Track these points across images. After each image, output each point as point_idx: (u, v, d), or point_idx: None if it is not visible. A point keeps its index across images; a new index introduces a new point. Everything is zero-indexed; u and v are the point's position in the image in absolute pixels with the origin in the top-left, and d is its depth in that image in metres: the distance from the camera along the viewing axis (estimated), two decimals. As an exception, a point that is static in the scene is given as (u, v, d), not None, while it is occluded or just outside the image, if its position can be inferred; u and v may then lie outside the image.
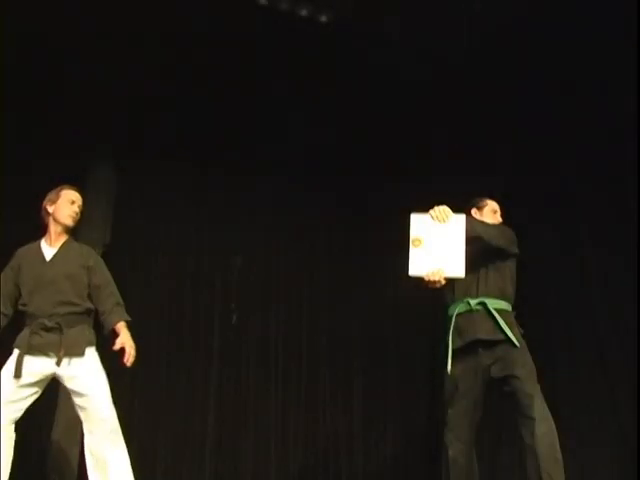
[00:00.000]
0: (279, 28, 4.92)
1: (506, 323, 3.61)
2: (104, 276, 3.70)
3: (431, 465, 5.96)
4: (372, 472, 5.82)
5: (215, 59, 5.21)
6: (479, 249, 3.63)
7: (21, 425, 4.88)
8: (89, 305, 3.61)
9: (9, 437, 3.49)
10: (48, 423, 4.94)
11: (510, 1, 4.69)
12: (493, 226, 3.81)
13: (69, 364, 3.46)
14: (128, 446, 5.09)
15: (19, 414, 3.48)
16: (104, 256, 5.38)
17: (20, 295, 3.61)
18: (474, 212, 3.93)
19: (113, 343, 3.58)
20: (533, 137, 5.54)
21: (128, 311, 4.60)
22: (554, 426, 3.48)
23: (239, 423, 5.48)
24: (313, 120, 5.71)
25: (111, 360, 5.20)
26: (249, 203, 5.83)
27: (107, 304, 3.63)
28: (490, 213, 3.94)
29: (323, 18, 4.81)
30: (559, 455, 3.44)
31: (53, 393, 5.01)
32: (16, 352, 3.50)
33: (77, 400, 3.51)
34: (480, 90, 5.43)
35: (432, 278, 3.54)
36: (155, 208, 5.67)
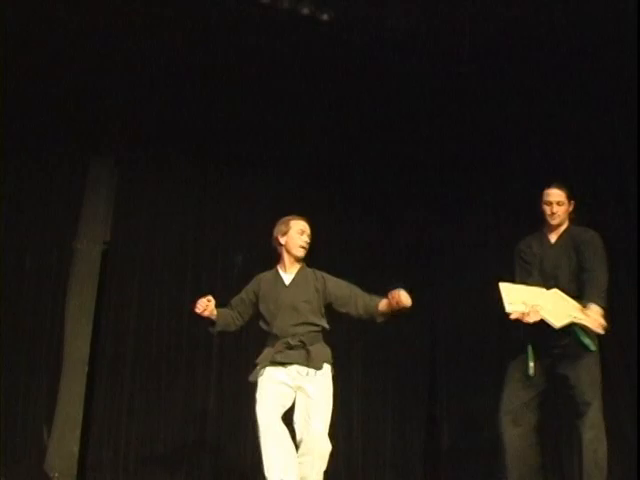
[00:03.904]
0: (280, 27, 4.92)
1: (581, 329, 3.70)
2: (349, 289, 3.87)
3: (431, 465, 5.97)
4: (372, 472, 5.81)
5: (216, 58, 5.21)
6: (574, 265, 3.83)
7: (21, 424, 4.96)
8: (325, 325, 3.79)
9: (284, 429, 3.59)
10: (48, 422, 4.96)
11: (513, 2, 4.69)
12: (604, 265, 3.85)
13: (307, 375, 3.65)
14: (128, 446, 5.17)
15: (282, 410, 3.66)
16: (104, 254, 5.45)
17: (253, 314, 3.88)
18: (572, 203, 3.99)
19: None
20: (532, 137, 5.55)
21: (130, 310, 4.63)
22: (602, 434, 3.61)
23: (239, 423, 5.48)
24: (312, 120, 5.72)
25: (110, 358, 5.28)
26: (249, 203, 5.83)
27: (359, 302, 3.81)
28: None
29: (325, 17, 4.81)
30: (602, 462, 3.59)
31: (53, 392, 5.04)
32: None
33: (299, 409, 3.64)
34: (482, 90, 5.43)
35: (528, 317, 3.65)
36: (155, 208, 5.67)
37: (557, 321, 3.65)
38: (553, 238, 4.00)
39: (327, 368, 3.71)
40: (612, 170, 5.00)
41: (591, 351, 3.68)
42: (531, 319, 3.65)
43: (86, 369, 5.17)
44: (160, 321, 5.44)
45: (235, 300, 3.88)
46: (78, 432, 5.02)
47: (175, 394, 5.35)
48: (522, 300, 3.69)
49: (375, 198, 6.19)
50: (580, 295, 3.79)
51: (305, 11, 4.76)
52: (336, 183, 6.06)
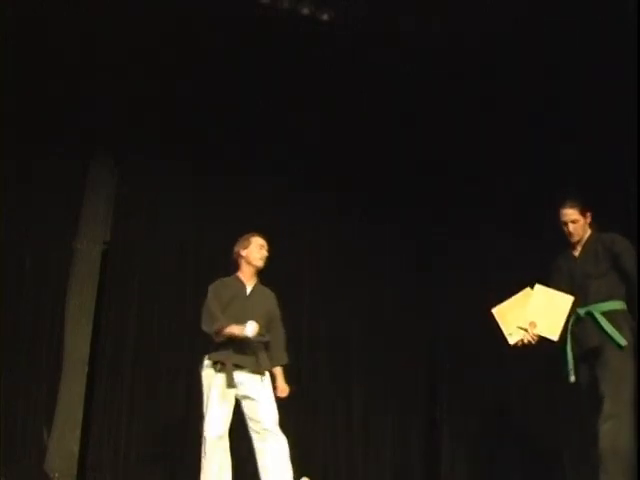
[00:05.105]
0: (280, 27, 4.93)
1: (614, 324, 3.72)
2: (279, 325, 4.37)
3: (431, 465, 5.97)
4: (372, 472, 5.82)
5: (216, 58, 5.21)
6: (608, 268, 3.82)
7: (21, 424, 4.95)
8: (269, 338, 4.22)
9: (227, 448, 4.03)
10: (48, 422, 4.95)
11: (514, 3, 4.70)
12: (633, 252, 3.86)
13: (255, 381, 4.07)
14: (128, 446, 5.17)
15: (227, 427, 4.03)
16: (104, 254, 5.45)
17: None
18: (588, 215, 4.00)
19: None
20: (534, 137, 5.55)
21: (130, 310, 4.65)
22: (622, 426, 3.57)
23: (238, 423, 5.48)
24: (312, 120, 5.72)
25: (110, 358, 5.28)
26: (249, 203, 5.83)
27: (278, 346, 4.31)
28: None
29: (324, 17, 4.83)
30: (621, 452, 3.54)
31: (53, 392, 5.04)
32: (209, 370, 4.08)
33: (249, 416, 4.11)
34: (481, 90, 5.44)
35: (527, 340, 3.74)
36: (155, 208, 5.67)
37: (553, 334, 3.71)
38: (577, 251, 4.05)
39: (268, 374, 4.18)
40: (612, 171, 5.00)
41: (621, 347, 3.68)
42: (533, 340, 3.75)
43: (86, 369, 5.16)
44: (160, 321, 5.44)
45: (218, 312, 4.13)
46: (78, 432, 5.02)
47: (175, 394, 5.35)
48: (517, 324, 3.75)
49: (375, 198, 6.19)
50: (614, 297, 3.84)
51: (305, 11, 4.78)
52: (336, 183, 6.06)
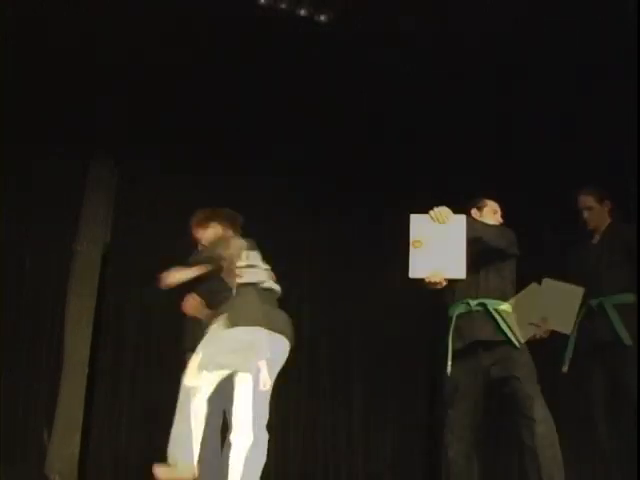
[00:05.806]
0: (280, 27, 4.93)
1: (506, 323, 3.61)
2: None
3: (431, 466, 5.97)
4: (372, 472, 5.82)
5: (214, 58, 5.21)
6: (479, 250, 3.62)
7: (21, 425, 4.95)
8: None
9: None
10: (48, 424, 4.95)
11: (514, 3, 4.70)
12: (493, 226, 3.79)
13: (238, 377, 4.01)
14: (129, 448, 5.16)
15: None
16: (104, 255, 5.44)
17: None
18: (474, 212, 3.92)
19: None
20: (533, 136, 5.55)
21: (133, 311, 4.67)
22: (554, 427, 3.49)
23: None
24: (312, 120, 5.72)
25: (110, 359, 5.28)
26: (249, 203, 5.81)
27: None
28: (490, 213, 3.92)
29: (322, 18, 4.83)
30: (559, 456, 3.44)
31: (53, 393, 5.04)
32: None
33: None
34: (479, 90, 5.44)
35: (432, 280, 3.53)
36: (155, 208, 5.66)
37: (566, 328, 3.64)
38: (596, 239, 4.00)
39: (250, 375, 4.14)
40: (612, 170, 5.00)
41: (626, 345, 3.63)
42: (545, 335, 3.69)
43: (86, 371, 5.15)
44: (161, 322, 5.44)
45: None
46: (78, 434, 5.01)
47: (176, 396, 5.33)
48: (528, 320, 3.65)
49: (375, 198, 6.19)
50: (628, 289, 3.79)
51: (303, 12, 4.78)
52: (336, 183, 6.06)
